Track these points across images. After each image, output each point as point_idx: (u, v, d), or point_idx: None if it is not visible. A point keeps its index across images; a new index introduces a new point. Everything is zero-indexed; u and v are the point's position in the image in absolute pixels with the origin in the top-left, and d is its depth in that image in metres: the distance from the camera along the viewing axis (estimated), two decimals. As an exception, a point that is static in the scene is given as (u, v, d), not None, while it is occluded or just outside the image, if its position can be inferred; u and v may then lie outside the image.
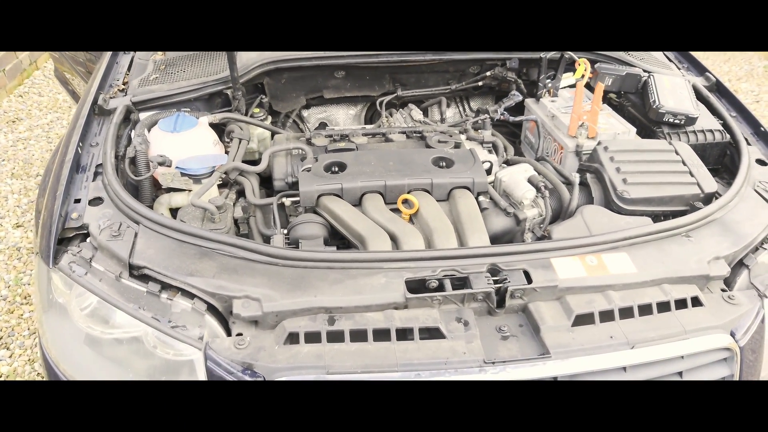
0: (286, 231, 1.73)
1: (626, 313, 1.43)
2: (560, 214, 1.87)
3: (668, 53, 2.57)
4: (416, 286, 1.44)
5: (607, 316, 1.42)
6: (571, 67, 2.27)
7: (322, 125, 2.57)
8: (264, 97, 2.32)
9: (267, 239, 1.76)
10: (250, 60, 2.17)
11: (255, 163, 1.96)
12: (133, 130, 1.96)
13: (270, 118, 2.31)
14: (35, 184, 3.82)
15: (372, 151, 1.98)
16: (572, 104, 2.07)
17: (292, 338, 1.34)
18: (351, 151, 1.97)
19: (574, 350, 1.35)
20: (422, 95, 2.54)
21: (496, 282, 1.44)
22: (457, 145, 2.04)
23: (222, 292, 1.40)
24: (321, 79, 2.38)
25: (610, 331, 1.40)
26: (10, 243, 3.32)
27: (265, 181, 2.03)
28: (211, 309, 1.41)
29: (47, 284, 1.51)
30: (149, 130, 1.96)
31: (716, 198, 1.76)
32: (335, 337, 1.34)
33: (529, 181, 1.89)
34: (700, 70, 2.44)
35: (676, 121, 2.06)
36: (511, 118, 2.32)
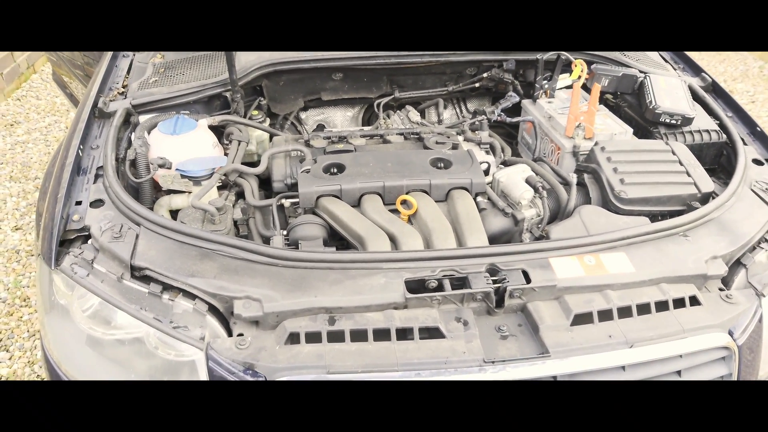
0: (285, 232, 1.74)
1: (625, 312, 1.44)
2: (558, 214, 1.88)
3: (664, 54, 2.58)
4: (416, 286, 1.45)
5: (605, 315, 1.43)
6: (567, 68, 2.29)
7: (320, 127, 2.58)
8: (262, 99, 2.33)
9: (266, 240, 1.77)
10: (248, 62, 2.18)
11: (254, 164, 1.97)
12: (133, 133, 1.97)
13: (268, 120, 2.32)
14: (34, 187, 3.82)
15: (370, 152, 1.99)
16: (569, 105, 2.08)
17: (293, 338, 1.35)
18: (349, 153, 1.98)
19: (573, 349, 1.36)
20: (419, 97, 2.55)
21: (495, 282, 1.45)
22: (455, 147, 2.05)
23: (223, 292, 1.40)
24: (319, 81, 2.39)
25: (609, 330, 1.41)
26: (9, 246, 3.32)
27: (264, 183, 2.04)
28: (213, 310, 1.42)
29: (49, 286, 1.51)
30: (149, 133, 1.96)
31: (713, 198, 1.78)
32: (336, 337, 1.35)
33: (527, 181, 1.90)
34: (696, 70, 2.46)
35: (673, 122, 2.07)
36: (508, 119, 2.33)
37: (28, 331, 2.82)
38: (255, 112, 2.26)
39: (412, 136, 2.15)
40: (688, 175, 1.83)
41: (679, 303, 1.48)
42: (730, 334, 1.46)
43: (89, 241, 1.55)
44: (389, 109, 2.54)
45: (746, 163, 1.90)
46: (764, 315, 1.55)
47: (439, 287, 1.45)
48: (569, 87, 2.29)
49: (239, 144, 2.03)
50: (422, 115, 2.56)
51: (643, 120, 2.17)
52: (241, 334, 1.37)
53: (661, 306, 1.47)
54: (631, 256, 1.55)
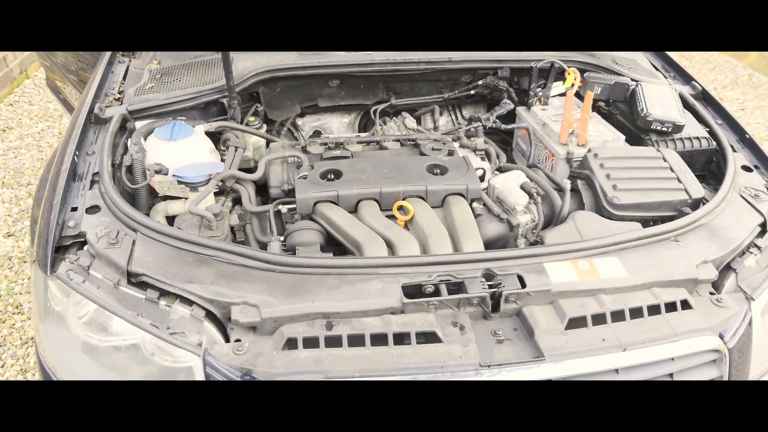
0: (282, 238, 1.75)
1: (618, 316, 1.46)
2: (552, 219, 1.90)
3: (655, 62, 2.62)
4: (412, 291, 1.46)
5: (599, 319, 1.45)
6: (561, 76, 2.31)
7: (317, 133, 2.59)
8: (259, 105, 2.34)
9: (264, 246, 1.78)
10: (245, 69, 2.19)
11: (251, 171, 1.98)
12: (129, 139, 1.97)
13: (265, 127, 2.33)
14: (26, 193, 3.81)
15: (367, 158, 2.00)
16: (562, 112, 2.11)
17: (291, 344, 1.36)
18: (346, 159, 2.00)
19: (567, 353, 1.38)
20: (415, 104, 2.57)
21: (490, 287, 1.47)
22: (451, 153, 2.07)
23: (220, 298, 1.41)
24: (315, 87, 2.40)
25: (603, 333, 1.42)
26: (1, 252, 3.31)
27: (261, 189, 2.05)
28: (210, 315, 1.42)
29: (44, 292, 1.51)
30: (146, 139, 1.97)
31: (703, 203, 1.80)
32: (333, 342, 1.36)
33: (522, 187, 1.92)
34: (687, 78, 2.49)
35: (664, 129, 2.10)
36: (503, 126, 2.35)
37: (20, 339, 2.81)
38: (252, 119, 2.27)
39: (408, 142, 2.17)
40: (679, 181, 1.86)
41: (670, 307, 1.50)
42: (721, 337, 1.49)
43: (85, 248, 1.55)
44: (385, 116, 2.57)
45: (735, 169, 1.93)
46: (754, 318, 1.57)
47: (436, 292, 1.47)
48: (563, 95, 2.31)
49: (236, 150, 2.04)
50: (418, 121, 2.58)
51: (635, 127, 2.20)
52: (238, 340, 1.37)
53: (654, 310, 1.49)
54: (623, 260, 1.57)
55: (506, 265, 1.52)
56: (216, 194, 1.94)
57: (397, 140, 2.18)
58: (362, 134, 2.45)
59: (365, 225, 1.73)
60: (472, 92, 2.52)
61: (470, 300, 1.45)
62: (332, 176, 1.88)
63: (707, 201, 1.80)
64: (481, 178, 2.01)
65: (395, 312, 1.43)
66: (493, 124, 2.35)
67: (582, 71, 2.30)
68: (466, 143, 2.20)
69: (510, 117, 2.41)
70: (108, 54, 2.37)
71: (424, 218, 1.75)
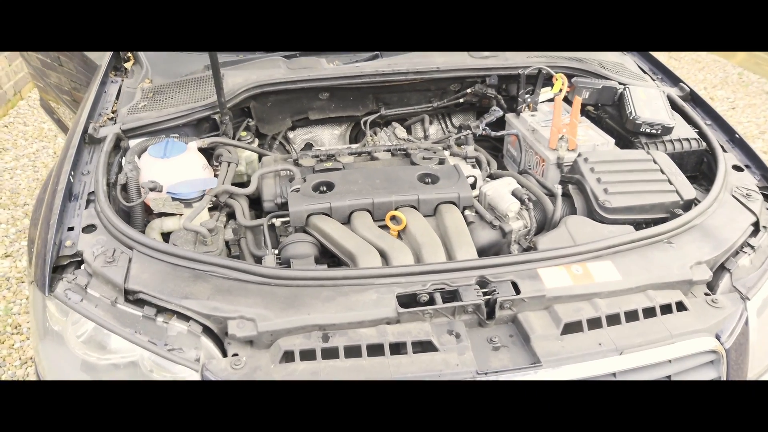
0: (277, 251, 1.76)
1: (613, 319, 1.47)
2: (544, 225, 1.91)
3: (642, 65, 2.64)
4: (407, 301, 1.47)
5: (594, 323, 1.46)
6: (548, 82, 2.33)
7: (308, 146, 2.61)
8: (251, 120, 2.35)
9: (258, 260, 1.79)
10: (236, 85, 2.21)
11: (244, 185, 1.99)
12: (123, 158, 1.99)
13: (257, 141, 2.34)
14: (23, 213, 3.81)
15: (359, 169, 2.02)
16: (551, 118, 2.13)
17: (288, 356, 1.36)
18: (338, 171, 2.01)
19: (564, 358, 1.38)
20: (405, 113, 2.59)
21: (485, 294, 1.47)
22: (442, 162, 2.08)
23: (217, 313, 1.42)
24: (306, 101, 2.42)
25: (599, 338, 1.43)
26: (-1, 273, 3.31)
27: (255, 203, 2.06)
28: (207, 331, 1.43)
29: (43, 312, 1.52)
30: (139, 157, 1.98)
31: (695, 204, 1.81)
32: (330, 353, 1.37)
33: (513, 194, 1.93)
34: (674, 80, 2.51)
35: (653, 131, 2.12)
36: (493, 133, 2.37)
37: (20, 359, 2.81)
38: (244, 134, 2.29)
39: (399, 152, 2.19)
40: (670, 183, 1.87)
41: (666, 309, 1.51)
42: (717, 337, 1.49)
43: (82, 267, 1.55)
44: (376, 127, 2.58)
45: (726, 169, 1.94)
46: (750, 318, 1.58)
47: (431, 301, 1.47)
48: (551, 100, 2.33)
49: (229, 165, 2.05)
50: (408, 131, 2.60)
51: (624, 130, 2.21)
52: (235, 354, 1.38)
53: (649, 312, 1.49)
54: (617, 264, 1.58)
55: (500, 271, 1.53)
56: (210, 209, 1.94)
57: (388, 150, 2.20)
58: (353, 145, 2.47)
59: (358, 236, 1.74)
60: (461, 100, 2.54)
61: (465, 308, 1.46)
62: (325, 188, 1.89)
63: (699, 202, 1.81)
64: (473, 186, 2.03)
65: (391, 322, 1.44)
66: (483, 132, 2.36)
67: (569, 76, 2.32)
68: (456, 151, 2.21)
69: (500, 124, 2.43)
70: (101, 74, 2.38)
71: (416, 227, 1.76)
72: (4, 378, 2.72)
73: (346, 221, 1.81)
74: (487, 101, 2.53)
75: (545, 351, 1.39)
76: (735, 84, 5.58)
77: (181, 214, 1.88)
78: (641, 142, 2.14)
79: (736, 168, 2.00)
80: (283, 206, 1.94)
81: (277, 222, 1.90)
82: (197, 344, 1.41)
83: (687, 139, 2.13)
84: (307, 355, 1.36)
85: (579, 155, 1.99)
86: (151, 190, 1.85)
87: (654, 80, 2.51)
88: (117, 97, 2.30)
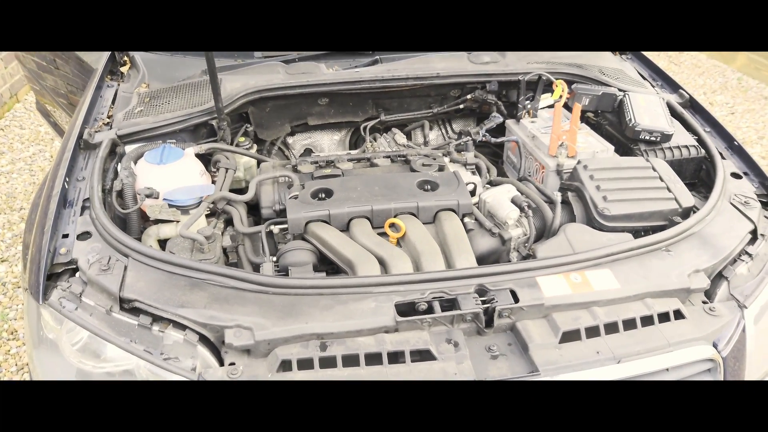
0: (275, 258, 1.75)
1: (611, 328, 1.47)
2: (544, 232, 1.91)
3: (642, 71, 2.64)
4: (406, 309, 1.46)
5: (593, 331, 1.45)
6: (548, 88, 2.33)
7: (308, 152, 2.60)
8: (249, 126, 2.34)
9: (256, 267, 1.78)
10: (234, 90, 2.20)
11: (242, 192, 1.98)
12: (119, 164, 1.97)
13: (255, 147, 2.33)
14: (19, 217, 3.80)
15: (358, 176, 2.01)
16: (551, 124, 2.12)
17: (285, 365, 1.35)
18: (337, 177, 2.00)
19: (562, 367, 1.38)
20: (405, 119, 2.58)
21: (483, 302, 1.47)
22: (441, 168, 2.08)
23: (213, 322, 1.40)
24: (305, 106, 2.41)
25: (597, 346, 1.43)
26: (-5, 278, 3.29)
27: (253, 210, 2.05)
28: (203, 339, 1.42)
29: (37, 320, 1.51)
30: (135, 163, 1.97)
31: (694, 212, 1.81)
32: (327, 362, 1.36)
33: (513, 201, 1.92)
34: (674, 87, 2.51)
35: (652, 138, 2.11)
36: (493, 140, 2.36)
37: (16, 365, 2.79)
38: (242, 139, 2.28)
39: (398, 158, 2.18)
40: (669, 190, 1.86)
41: (663, 317, 1.51)
42: (715, 346, 1.49)
43: (77, 274, 1.54)
44: (375, 132, 2.57)
45: (725, 177, 1.94)
46: (747, 326, 1.57)
47: (429, 309, 1.46)
48: (551, 106, 2.33)
49: (227, 171, 2.04)
50: (408, 137, 2.59)
51: (624, 137, 2.21)
52: (232, 363, 1.37)
53: (647, 321, 1.49)
54: (615, 272, 1.58)
55: (499, 280, 1.52)
56: (207, 216, 1.93)
57: (388, 156, 2.19)
58: (353, 152, 2.46)
59: (357, 243, 1.73)
60: (462, 106, 2.53)
61: (464, 316, 1.45)
62: (323, 195, 1.88)
63: (697, 210, 1.80)
64: (472, 193, 2.02)
65: (389, 331, 1.43)
66: (483, 138, 2.36)
67: (569, 83, 2.31)
68: (456, 158, 2.21)
69: (500, 130, 2.42)
70: (96, 78, 2.37)
71: (416, 235, 1.75)
72: None
73: (345, 228, 1.81)
74: (487, 107, 2.53)
75: (543, 360, 1.39)
76: (734, 89, 5.58)
77: (177, 221, 1.86)
78: (640, 149, 2.13)
79: (735, 175, 2.00)
80: (282, 213, 1.93)
81: (276, 229, 1.89)
82: (194, 353, 1.40)
83: (686, 146, 2.12)
84: (305, 364, 1.36)
85: (578, 162, 1.98)
86: (147, 196, 1.84)
87: (654, 87, 2.51)
88: (113, 102, 2.29)
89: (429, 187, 1.93)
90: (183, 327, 1.42)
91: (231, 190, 1.99)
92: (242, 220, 1.91)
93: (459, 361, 1.38)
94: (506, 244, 1.86)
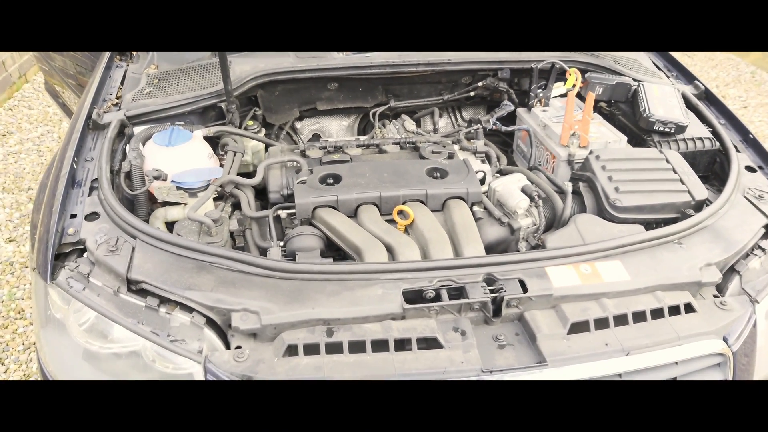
0: (282, 243, 1.74)
1: (620, 320, 1.45)
2: (554, 222, 1.89)
3: (657, 61, 2.60)
4: (413, 297, 1.45)
5: (601, 323, 1.44)
6: (561, 76, 2.30)
7: (316, 137, 2.59)
8: (258, 109, 2.33)
9: (263, 252, 1.77)
10: (243, 73, 2.18)
11: (250, 175, 1.97)
12: (127, 145, 1.97)
13: (264, 131, 2.32)
14: (27, 198, 3.80)
15: (366, 162, 1.99)
16: (563, 114, 2.10)
17: (291, 350, 1.35)
18: (346, 163, 1.99)
19: (570, 358, 1.37)
20: (415, 106, 2.56)
21: (492, 291, 1.46)
22: (451, 156, 2.06)
23: (220, 305, 1.40)
24: (314, 91, 2.40)
25: (605, 338, 1.41)
26: (3, 258, 3.31)
27: (260, 194, 2.04)
28: (210, 322, 1.42)
29: (45, 300, 1.51)
30: (144, 145, 1.96)
31: (707, 205, 1.79)
32: (334, 348, 1.35)
33: (523, 190, 1.91)
34: (689, 78, 2.47)
35: (666, 130, 2.08)
36: (504, 128, 2.34)
37: (23, 344, 2.81)
38: (250, 123, 2.27)
39: (408, 145, 2.16)
40: (682, 182, 1.84)
41: (674, 310, 1.49)
42: (725, 340, 1.48)
43: (85, 255, 1.54)
44: (385, 119, 2.55)
45: (739, 170, 1.91)
46: (758, 321, 1.56)
47: (437, 297, 1.46)
48: (564, 95, 2.30)
49: (235, 155, 2.03)
50: (418, 124, 2.57)
51: (637, 128, 2.18)
52: (239, 347, 1.37)
53: (657, 313, 1.48)
54: (626, 264, 1.56)
55: (507, 269, 1.51)
56: (215, 199, 1.93)
57: (397, 143, 2.17)
58: (361, 138, 2.44)
59: (365, 230, 1.72)
60: (472, 94, 2.51)
61: (471, 305, 1.44)
62: (332, 181, 1.87)
63: (711, 202, 1.78)
64: (482, 181, 2.00)
65: (396, 318, 1.42)
66: (494, 126, 2.34)
67: (583, 72, 2.28)
68: (466, 146, 2.19)
69: (510, 119, 2.40)
70: (105, 59, 2.36)
71: (424, 222, 1.74)
72: (7, 362, 2.72)
73: (353, 215, 1.79)
74: (498, 95, 2.50)
75: (551, 350, 1.38)
76: (748, 83, 5.52)
77: (185, 204, 1.86)
78: (654, 141, 2.11)
79: (749, 169, 1.97)
80: (290, 198, 1.92)
81: (283, 214, 1.89)
82: (200, 336, 1.40)
83: (700, 138, 2.10)
84: (311, 349, 1.35)
85: (590, 152, 1.96)
86: (156, 178, 1.83)
87: (669, 77, 2.47)
88: (122, 83, 2.28)
89: (438, 174, 1.91)
90: (190, 309, 1.42)
91: (239, 174, 1.98)
92: (250, 204, 1.90)
93: (466, 349, 1.37)
94: (515, 234, 1.84)
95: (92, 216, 1.63)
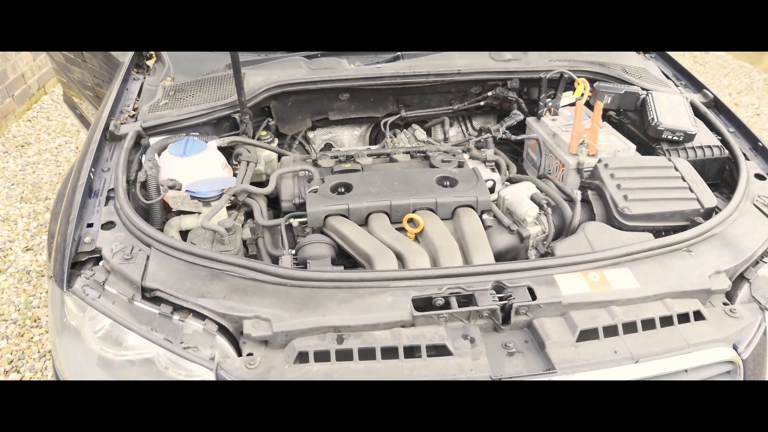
0: (294, 251, 1.76)
1: (630, 327, 1.46)
2: (563, 230, 1.90)
3: (666, 70, 2.61)
4: (423, 304, 1.46)
5: (610, 331, 1.44)
6: (570, 86, 2.31)
7: (328, 146, 2.62)
8: (271, 120, 2.36)
9: (275, 260, 1.80)
10: (257, 84, 2.22)
11: (263, 185, 2.00)
12: (143, 155, 2.01)
13: (277, 141, 2.35)
14: (44, 207, 3.87)
15: (377, 171, 2.02)
16: (572, 122, 2.11)
17: (302, 357, 1.37)
18: (357, 172, 2.01)
19: (578, 365, 1.37)
20: (425, 115, 2.59)
21: (501, 299, 1.47)
22: (461, 165, 2.08)
23: (232, 312, 1.42)
24: (326, 101, 2.43)
25: (614, 345, 1.42)
26: (20, 266, 3.36)
27: (273, 203, 2.07)
28: (222, 330, 1.44)
29: (61, 307, 1.54)
30: (159, 155, 2.00)
31: (716, 213, 1.79)
32: (344, 355, 1.37)
33: (532, 198, 1.92)
34: (698, 87, 2.47)
35: (675, 138, 2.09)
36: (513, 137, 2.36)
37: (38, 352, 2.85)
38: (263, 133, 2.30)
39: (418, 154, 2.18)
40: (691, 190, 1.84)
41: (683, 318, 1.49)
42: (735, 348, 1.47)
43: (100, 263, 1.57)
44: (396, 128, 2.58)
45: (748, 178, 1.91)
46: (768, 329, 1.56)
47: (446, 305, 1.47)
48: (573, 104, 2.31)
49: (248, 164, 2.06)
50: (428, 133, 2.59)
51: (646, 136, 2.19)
52: (250, 354, 1.39)
53: (666, 321, 1.48)
54: (635, 271, 1.57)
55: (517, 277, 1.52)
56: (228, 208, 1.96)
57: (407, 152, 2.20)
58: (372, 147, 2.47)
59: (375, 238, 1.74)
60: (482, 103, 2.53)
61: (480, 312, 1.46)
62: (343, 189, 1.90)
63: (720, 210, 1.78)
64: (491, 190, 2.02)
65: (405, 325, 1.44)
66: (503, 135, 2.35)
67: (592, 81, 2.30)
68: (476, 154, 2.21)
69: (520, 128, 2.41)
70: (123, 71, 2.41)
71: (434, 231, 1.75)
72: (23, 370, 2.76)
73: (364, 223, 1.82)
74: (507, 104, 2.52)
75: (560, 358, 1.38)
76: (760, 90, 5.48)
77: (199, 213, 1.89)
78: (663, 149, 2.11)
79: (759, 176, 1.97)
80: (301, 206, 1.94)
81: (295, 222, 1.91)
82: (212, 343, 1.42)
83: (709, 147, 2.10)
84: (322, 356, 1.37)
85: (599, 161, 1.97)
86: (170, 188, 1.87)
87: (677, 86, 2.48)
88: (138, 95, 2.33)
89: (448, 183, 1.93)
90: (203, 317, 1.44)
91: (252, 183, 2.01)
92: (262, 212, 1.93)
93: (475, 357, 1.38)
94: (525, 242, 1.85)
95: (108, 225, 1.66)
